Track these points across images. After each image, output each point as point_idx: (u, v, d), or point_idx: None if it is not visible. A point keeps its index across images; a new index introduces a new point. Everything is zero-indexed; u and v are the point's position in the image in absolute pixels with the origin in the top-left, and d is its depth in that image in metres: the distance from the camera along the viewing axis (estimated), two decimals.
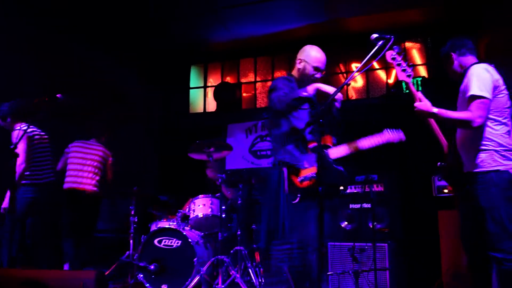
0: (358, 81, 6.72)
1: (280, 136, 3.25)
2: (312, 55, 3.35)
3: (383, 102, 6.27)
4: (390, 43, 2.61)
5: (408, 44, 6.60)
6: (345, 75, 6.74)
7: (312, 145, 3.15)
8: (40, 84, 5.23)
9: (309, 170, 3.10)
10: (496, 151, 2.83)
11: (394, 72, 6.58)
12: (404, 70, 2.98)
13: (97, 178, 5.05)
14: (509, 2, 4.51)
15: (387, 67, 6.55)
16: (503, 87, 2.90)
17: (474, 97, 2.79)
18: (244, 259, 4.62)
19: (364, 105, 6.44)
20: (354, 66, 6.69)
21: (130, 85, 6.95)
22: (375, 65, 6.61)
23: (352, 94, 6.69)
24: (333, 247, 4.79)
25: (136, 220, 5.13)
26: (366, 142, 3.19)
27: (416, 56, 6.54)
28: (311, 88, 3.15)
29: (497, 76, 2.89)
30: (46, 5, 5.38)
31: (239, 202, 4.93)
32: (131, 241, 5.04)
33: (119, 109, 6.50)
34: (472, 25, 5.75)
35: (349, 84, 2.59)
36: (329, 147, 3.20)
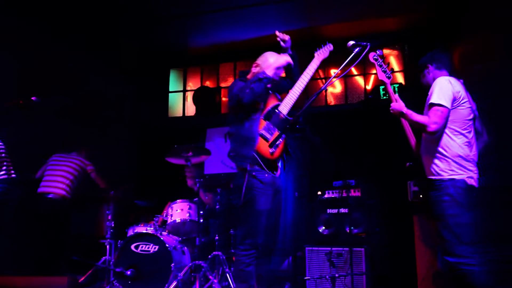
0: (337, 87, 6.79)
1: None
2: (267, 60, 3.38)
3: (361, 107, 6.35)
4: (367, 50, 2.70)
5: (386, 51, 6.70)
6: (323, 80, 6.81)
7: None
8: (15, 85, 5.14)
9: (273, 138, 3.12)
10: (453, 160, 2.98)
11: (372, 78, 6.68)
12: (384, 71, 3.23)
13: (69, 184, 5.06)
14: (485, 10, 4.62)
15: (365, 73, 6.64)
16: (465, 100, 3.05)
17: (433, 105, 3.00)
18: (222, 264, 4.60)
19: (343, 110, 6.51)
20: (333, 71, 6.75)
21: (109, 88, 6.88)
22: (354, 71, 6.69)
23: (331, 100, 6.75)
24: (310, 251, 4.81)
25: (112, 225, 5.08)
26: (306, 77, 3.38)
27: (394, 63, 6.64)
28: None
29: (458, 88, 3.05)
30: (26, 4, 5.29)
31: (217, 207, 4.91)
32: (107, 246, 4.98)
33: (96, 113, 6.42)
34: (449, 33, 5.87)
35: (327, 89, 2.64)
36: (277, 105, 3.28)
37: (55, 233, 4.92)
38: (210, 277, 4.32)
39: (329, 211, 4.95)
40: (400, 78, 6.55)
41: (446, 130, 3.03)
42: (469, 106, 3.08)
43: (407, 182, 4.67)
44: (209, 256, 4.63)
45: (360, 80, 6.73)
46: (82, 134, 5.80)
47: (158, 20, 6.16)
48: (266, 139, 3.13)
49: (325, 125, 5.74)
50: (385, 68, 3.22)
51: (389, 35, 6.47)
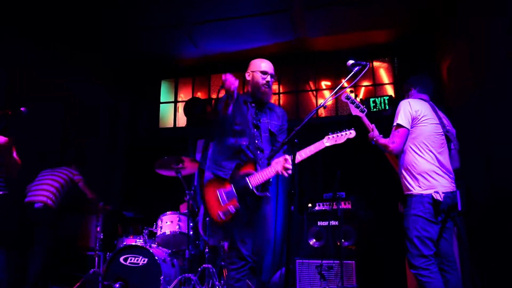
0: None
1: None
2: (257, 63, 3.34)
3: (351, 119, 6.36)
4: (366, 69, 2.77)
5: (375, 64, 6.76)
6: (314, 92, 6.84)
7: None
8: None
9: (225, 206, 2.99)
10: (421, 175, 3.15)
11: (362, 90, 6.73)
12: (357, 107, 3.46)
13: (55, 192, 5.00)
14: (468, 23, 4.70)
15: (355, 86, 6.67)
16: (427, 117, 3.24)
17: (393, 126, 3.28)
18: (212, 277, 4.57)
19: (333, 122, 6.53)
20: (324, 84, 6.79)
21: (100, 99, 6.86)
22: (344, 83, 6.72)
23: (322, 112, 6.78)
24: (301, 264, 4.79)
25: (101, 236, 5.03)
26: (304, 152, 3.09)
27: (383, 75, 6.69)
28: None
29: (417, 107, 3.26)
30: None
31: (207, 219, 4.88)
32: (96, 258, 4.94)
33: (87, 124, 6.39)
34: (436, 45, 5.95)
35: (325, 107, 2.66)
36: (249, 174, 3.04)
37: (42, 243, 4.84)
38: None
39: (319, 223, 4.94)
40: (390, 90, 6.60)
41: (412, 147, 3.22)
42: (434, 122, 3.26)
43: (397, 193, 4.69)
44: (199, 269, 4.60)
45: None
46: (73, 148, 5.75)
47: (150, 31, 6.17)
48: (219, 202, 2.99)
49: (316, 137, 5.75)
50: (357, 104, 3.46)
51: (379, 47, 6.53)
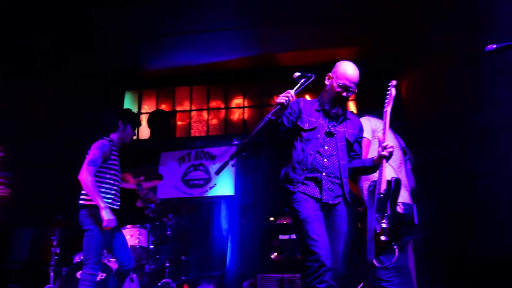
0: None
1: None
2: (340, 71, 3.00)
3: None
4: (311, 80, 2.79)
5: None
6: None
7: None
8: None
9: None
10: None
11: None
12: None
13: None
14: (427, 46, 4.89)
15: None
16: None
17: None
18: None
19: None
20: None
21: (59, 108, 6.68)
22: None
23: None
24: (262, 278, 4.78)
25: (58, 251, 4.87)
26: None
27: None
28: None
29: (375, 122, 3.47)
30: None
31: (168, 232, 4.82)
32: (51, 273, 4.77)
33: (43, 134, 6.21)
34: (399, 65, 6.14)
35: (273, 117, 2.63)
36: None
37: None
38: None
39: (281, 237, 4.96)
40: (352, 106, 6.74)
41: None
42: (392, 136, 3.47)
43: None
44: (159, 284, 4.52)
45: None
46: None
47: (114, 41, 6.09)
48: None
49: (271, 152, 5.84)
50: None
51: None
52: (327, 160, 2.91)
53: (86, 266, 3.45)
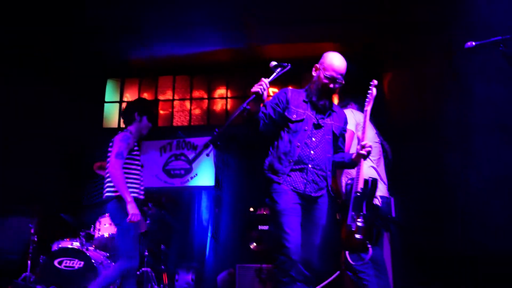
0: None
1: None
2: (327, 62, 2.98)
3: None
4: (286, 69, 2.79)
5: None
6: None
7: None
8: None
9: None
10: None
11: None
12: None
13: None
14: (407, 48, 4.96)
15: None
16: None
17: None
18: (151, 281, 4.52)
19: None
20: (272, 91, 6.87)
21: (39, 94, 6.58)
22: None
23: None
24: (241, 268, 4.82)
25: (35, 239, 4.83)
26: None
27: None
28: None
29: (359, 116, 3.51)
30: None
31: (147, 221, 4.82)
32: (28, 261, 4.73)
33: (22, 121, 6.12)
34: (382, 62, 6.20)
35: (248, 107, 2.58)
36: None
37: None
38: None
39: (260, 227, 5.01)
40: (335, 100, 6.78)
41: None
42: (373, 131, 3.57)
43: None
44: (138, 273, 4.52)
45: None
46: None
47: (97, 29, 6.01)
48: None
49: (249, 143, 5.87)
50: None
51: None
52: (314, 152, 2.91)
53: (122, 259, 3.48)
